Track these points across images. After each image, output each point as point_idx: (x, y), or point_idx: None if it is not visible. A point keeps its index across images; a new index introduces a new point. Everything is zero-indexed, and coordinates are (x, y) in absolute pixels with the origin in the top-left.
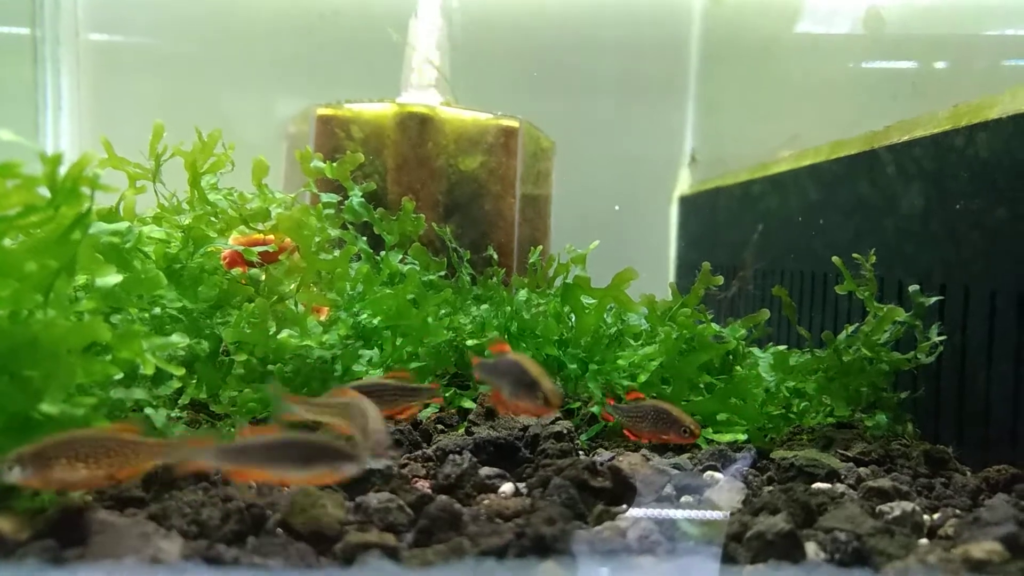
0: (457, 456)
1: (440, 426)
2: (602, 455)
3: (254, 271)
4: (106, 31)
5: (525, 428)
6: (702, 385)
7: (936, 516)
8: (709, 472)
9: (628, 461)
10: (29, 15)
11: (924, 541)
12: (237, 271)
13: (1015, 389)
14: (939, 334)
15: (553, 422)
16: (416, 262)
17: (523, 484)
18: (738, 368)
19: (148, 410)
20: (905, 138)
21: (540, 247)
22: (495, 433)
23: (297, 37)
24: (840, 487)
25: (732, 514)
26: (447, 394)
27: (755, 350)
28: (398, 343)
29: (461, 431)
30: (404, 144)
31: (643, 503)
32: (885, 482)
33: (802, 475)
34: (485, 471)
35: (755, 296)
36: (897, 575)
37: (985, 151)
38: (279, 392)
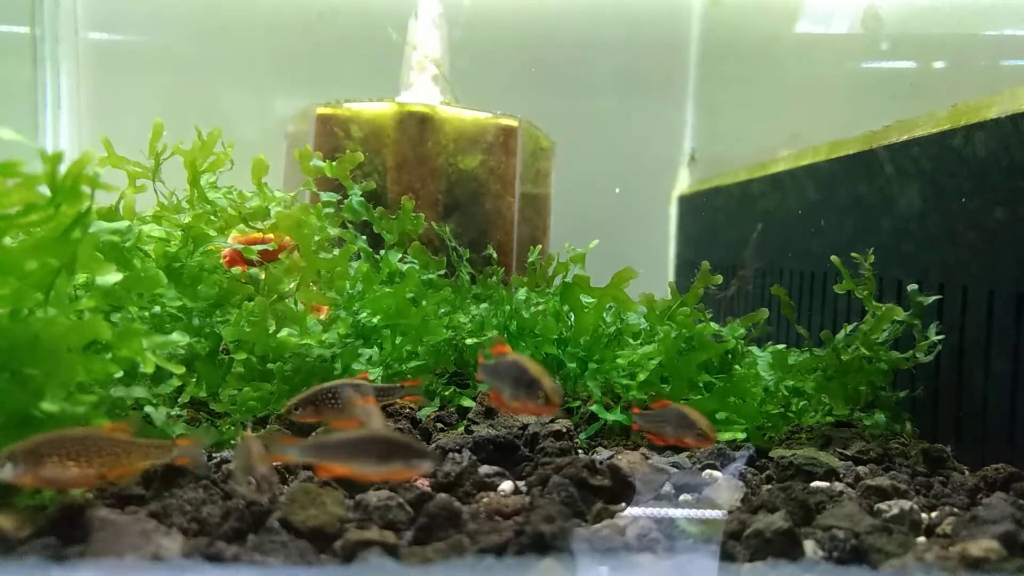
0: (456, 454)
1: (440, 424)
2: (601, 453)
3: (254, 270)
4: (106, 30)
5: (524, 427)
6: (701, 384)
7: (934, 514)
8: (708, 470)
9: (627, 459)
10: (29, 14)
11: (922, 539)
12: (237, 270)
13: (1013, 388)
14: (937, 333)
15: (552, 421)
16: (415, 261)
17: (522, 482)
18: (737, 367)
19: (148, 408)
20: (904, 138)
21: (539, 246)
22: (494, 431)
23: (297, 36)
24: (838, 485)
25: (731, 512)
26: (447, 393)
27: (754, 349)
28: (397, 342)
29: (460, 429)
30: (403, 143)
31: (642, 501)
32: (883, 480)
33: (801, 473)
34: (484, 469)
35: (754, 295)
36: (895, 573)
37: (983, 151)
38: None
